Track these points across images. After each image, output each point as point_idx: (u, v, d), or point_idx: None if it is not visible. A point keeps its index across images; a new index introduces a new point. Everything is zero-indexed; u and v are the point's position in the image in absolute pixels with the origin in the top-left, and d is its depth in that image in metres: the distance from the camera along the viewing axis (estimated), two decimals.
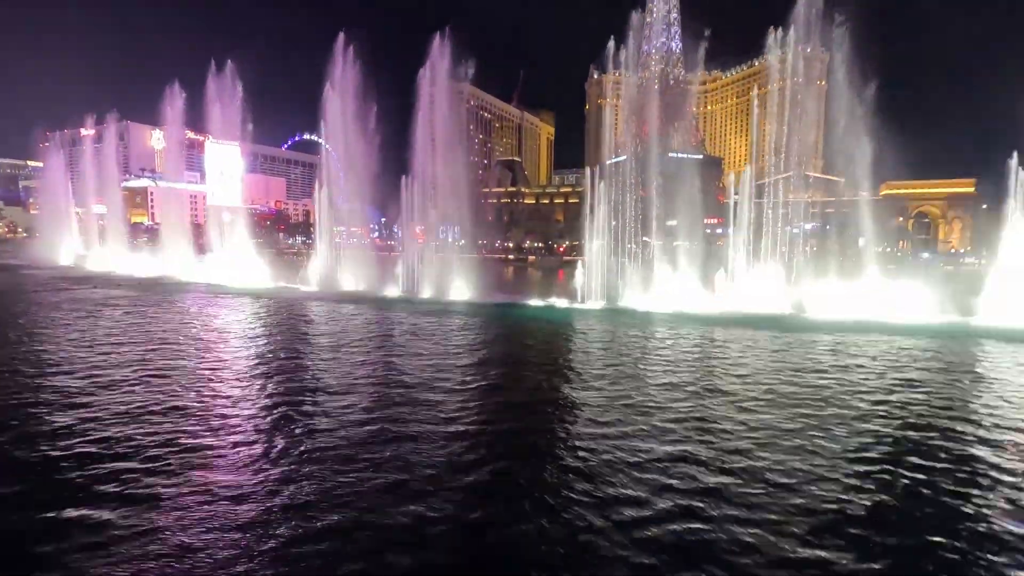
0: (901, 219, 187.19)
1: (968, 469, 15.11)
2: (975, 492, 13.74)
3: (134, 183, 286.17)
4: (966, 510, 12.85)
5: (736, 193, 58.02)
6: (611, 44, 58.15)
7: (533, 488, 13.73)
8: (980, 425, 18.72)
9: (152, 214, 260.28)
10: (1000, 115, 46.43)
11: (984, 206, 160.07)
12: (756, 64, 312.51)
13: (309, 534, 11.43)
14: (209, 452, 15.55)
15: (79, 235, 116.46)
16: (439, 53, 63.59)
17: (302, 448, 15.98)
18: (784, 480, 14.12)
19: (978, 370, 27.65)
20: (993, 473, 14.85)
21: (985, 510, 12.84)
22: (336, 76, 67.36)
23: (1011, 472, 14.89)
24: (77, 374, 23.57)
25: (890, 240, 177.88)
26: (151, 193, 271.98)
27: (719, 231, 54.79)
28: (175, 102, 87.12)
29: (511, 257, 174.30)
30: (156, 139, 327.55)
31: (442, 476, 14.20)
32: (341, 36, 65.70)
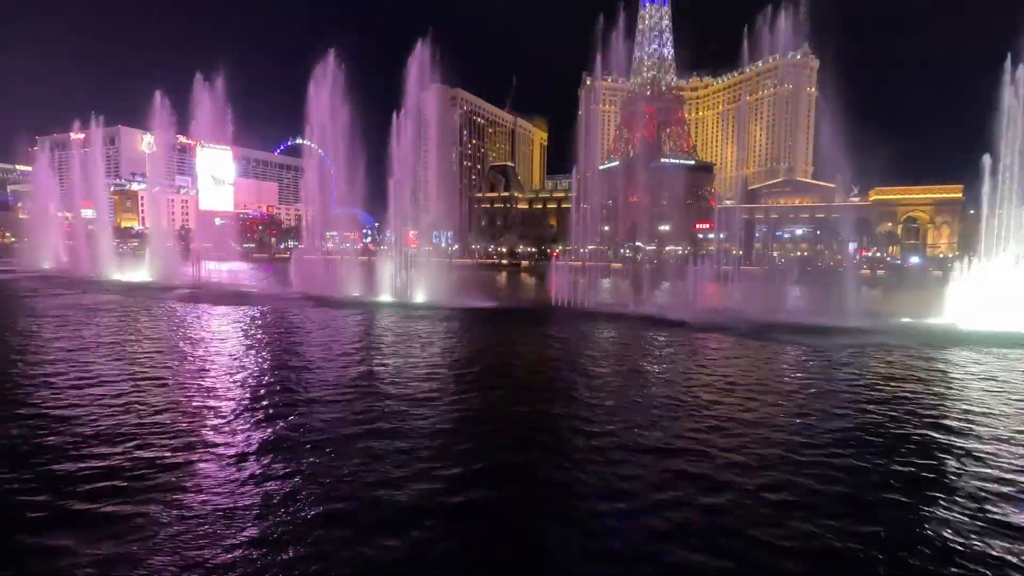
0: (891, 224, 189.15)
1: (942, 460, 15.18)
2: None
3: (124, 187, 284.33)
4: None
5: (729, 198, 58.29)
6: (599, 51, 58.56)
7: (529, 491, 13.63)
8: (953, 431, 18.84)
9: (143, 218, 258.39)
10: (992, 121, 47.04)
11: (971, 211, 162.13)
12: (747, 70, 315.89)
13: (293, 552, 11.26)
14: (197, 453, 15.33)
15: (68, 239, 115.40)
16: (419, 55, 63.77)
17: (290, 458, 15.79)
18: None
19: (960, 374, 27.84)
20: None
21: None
22: (327, 81, 67.34)
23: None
24: (57, 384, 23.23)
25: (880, 245, 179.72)
26: (142, 197, 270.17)
27: (710, 236, 55.02)
28: (161, 109, 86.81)
29: (504, 262, 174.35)
30: (147, 143, 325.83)
31: (438, 490, 14.05)
32: (332, 44, 65.91)
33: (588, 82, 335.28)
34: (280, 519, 12.17)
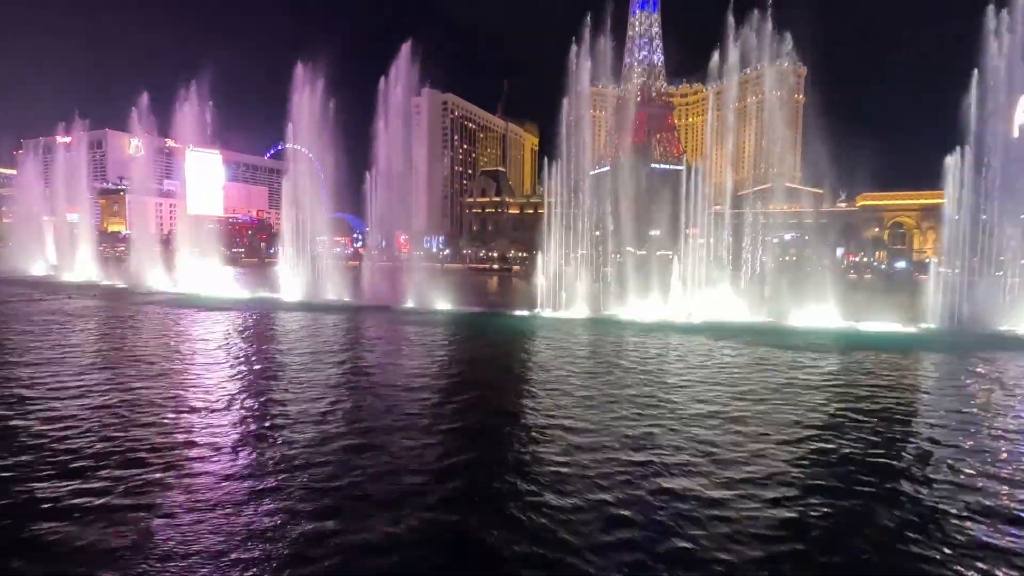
0: (877, 229, 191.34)
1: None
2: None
3: (110, 191, 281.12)
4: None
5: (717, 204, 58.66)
6: (586, 56, 58.49)
7: (507, 498, 13.44)
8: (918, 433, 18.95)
9: (130, 223, 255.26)
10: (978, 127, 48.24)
11: (956, 217, 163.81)
12: (738, 77, 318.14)
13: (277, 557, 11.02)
14: (183, 464, 15.03)
15: (53, 244, 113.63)
16: (403, 60, 63.92)
17: (272, 472, 15.53)
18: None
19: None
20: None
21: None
22: (318, 86, 67.03)
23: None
24: (39, 395, 22.77)
25: (867, 250, 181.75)
26: (129, 202, 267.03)
27: (700, 241, 55.24)
28: (147, 112, 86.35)
29: (496, 267, 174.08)
30: (134, 147, 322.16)
31: (421, 488, 13.85)
32: (323, 49, 65.97)
33: (573, 88, 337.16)
34: (265, 532, 11.92)
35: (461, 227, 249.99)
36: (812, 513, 12.98)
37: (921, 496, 13.98)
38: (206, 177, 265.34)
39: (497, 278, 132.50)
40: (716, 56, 55.64)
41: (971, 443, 17.99)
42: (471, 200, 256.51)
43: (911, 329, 44.10)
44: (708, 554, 11.23)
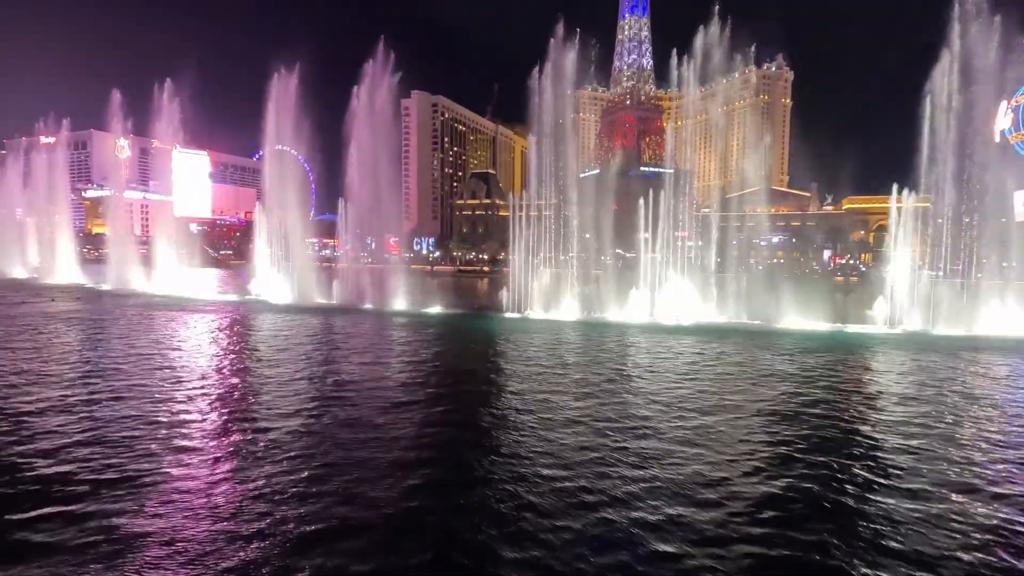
0: (863, 232, 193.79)
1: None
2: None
3: (95, 193, 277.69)
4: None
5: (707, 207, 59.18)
6: (568, 59, 58.80)
7: (486, 503, 13.45)
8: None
9: (114, 225, 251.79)
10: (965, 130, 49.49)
11: (939, 220, 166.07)
12: (726, 81, 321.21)
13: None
14: (167, 471, 14.87)
15: (35, 246, 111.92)
16: (380, 54, 63.68)
17: (256, 477, 15.42)
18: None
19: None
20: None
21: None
22: (305, 87, 66.82)
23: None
24: (23, 406, 22.42)
25: (853, 252, 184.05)
26: (113, 204, 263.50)
27: (689, 244, 55.74)
28: (131, 112, 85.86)
29: (486, 269, 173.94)
30: (119, 148, 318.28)
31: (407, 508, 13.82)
32: (315, 50, 65.69)
33: (569, 91, 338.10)
34: (249, 542, 11.83)
35: (452, 229, 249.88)
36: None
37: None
38: (193, 178, 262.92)
39: (487, 280, 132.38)
40: (700, 60, 56.09)
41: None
42: (461, 202, 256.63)
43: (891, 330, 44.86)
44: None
